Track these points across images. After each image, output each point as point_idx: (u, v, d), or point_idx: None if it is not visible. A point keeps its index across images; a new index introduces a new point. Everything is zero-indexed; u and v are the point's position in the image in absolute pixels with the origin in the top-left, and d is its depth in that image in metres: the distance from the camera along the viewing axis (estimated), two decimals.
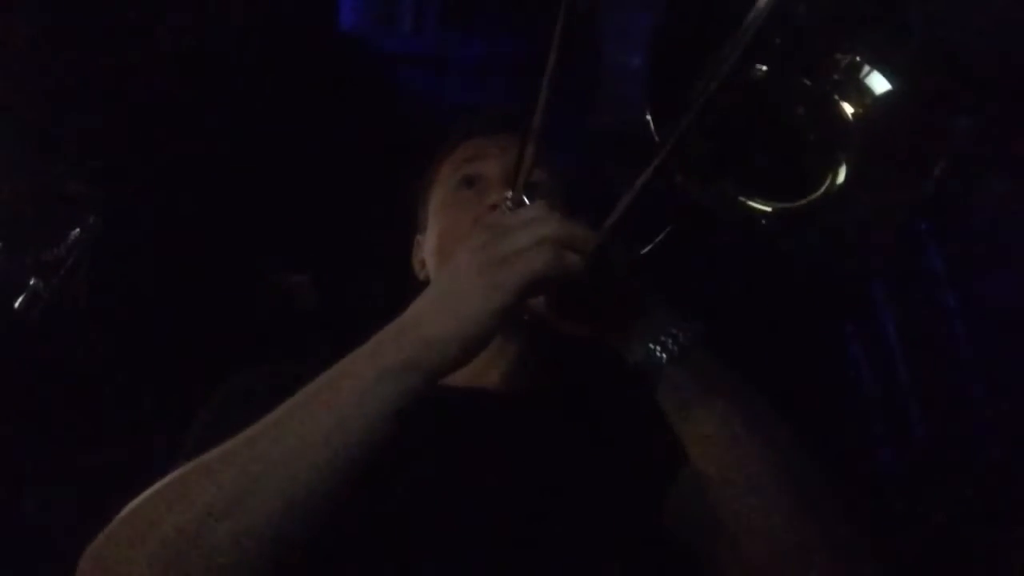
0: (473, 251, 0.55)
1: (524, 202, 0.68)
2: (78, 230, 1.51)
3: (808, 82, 0.58)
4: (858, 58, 0.56)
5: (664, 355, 0.59)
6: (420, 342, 0.53)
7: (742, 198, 0.57)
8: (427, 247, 0.89)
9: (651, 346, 0.60)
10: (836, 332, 2.16)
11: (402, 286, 0.97)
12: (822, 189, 0.57)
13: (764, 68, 0.57)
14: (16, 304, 1.43)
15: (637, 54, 2.03)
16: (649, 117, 0.53)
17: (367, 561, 0.61)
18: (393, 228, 1.03)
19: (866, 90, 0.56)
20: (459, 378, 0.75)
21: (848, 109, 0.57)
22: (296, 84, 1.77)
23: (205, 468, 0.52)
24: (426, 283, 0.90)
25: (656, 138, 0.52)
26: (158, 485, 0.54)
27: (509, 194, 0.69)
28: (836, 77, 0.57)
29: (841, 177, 0.57)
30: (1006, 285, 1.65)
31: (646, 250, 0.63)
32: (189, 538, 0.47)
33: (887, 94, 0.56)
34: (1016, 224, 1.62)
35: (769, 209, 0.56)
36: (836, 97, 0.58)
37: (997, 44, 1.51)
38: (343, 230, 1.87)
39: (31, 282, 1.45)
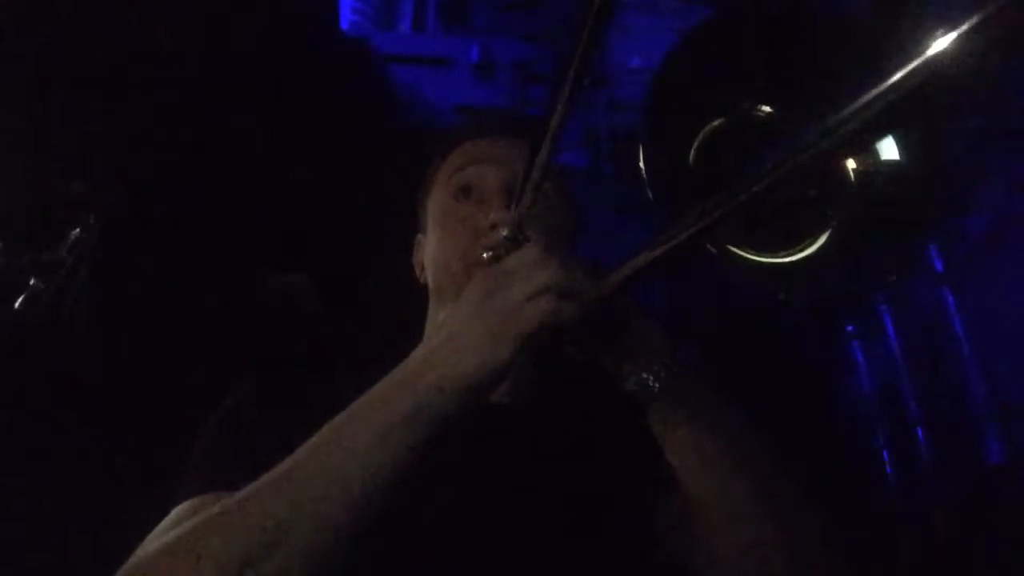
0: (477, 299, 0.58)
1: (520, 240, 0.69)
2: (78, 230, 1.51)
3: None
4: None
5: (656, 383, 0.61)
6: (431, 388, 0.55)
7: (731, 247, 0.56)
8: (426, 253, 0.89)
9: (644, 374, 0.61)
10: (836, 332, 2.16)
11: (402, 286, 0.97)
12: (804, 248, 0.57)
13: (770, 110, 0.56)
14: (16, 304, 1.43)
15: (637, 55, 2.03)
16: (641, 163, 0.53)
17: (370, 572, 0.61)
18: (393, 228, 1.03)
19: (872, 150, 0.56)
20: None
21: (851, 165, 0.57)
22: (296, 84, 1.77)
23: (223, 523, 0.52)
24: (426, 286, 0.90)
25: (645, 176, 0.52)
26: (180, 535, 0.54)
27: (506, 229, 0.69)
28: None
29: (823, 239, 0.57)
30: (1006, 285, 1.65)
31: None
32: None
33: (891, 162, 0.55)
34: (1016, 224, 1.62)
35: (756, 259, 0.56)
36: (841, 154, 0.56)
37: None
38: (343, 230, 1.87)
39: (31, 282, 1.45)
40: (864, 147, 0.55)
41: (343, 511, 0.51)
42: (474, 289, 0.59)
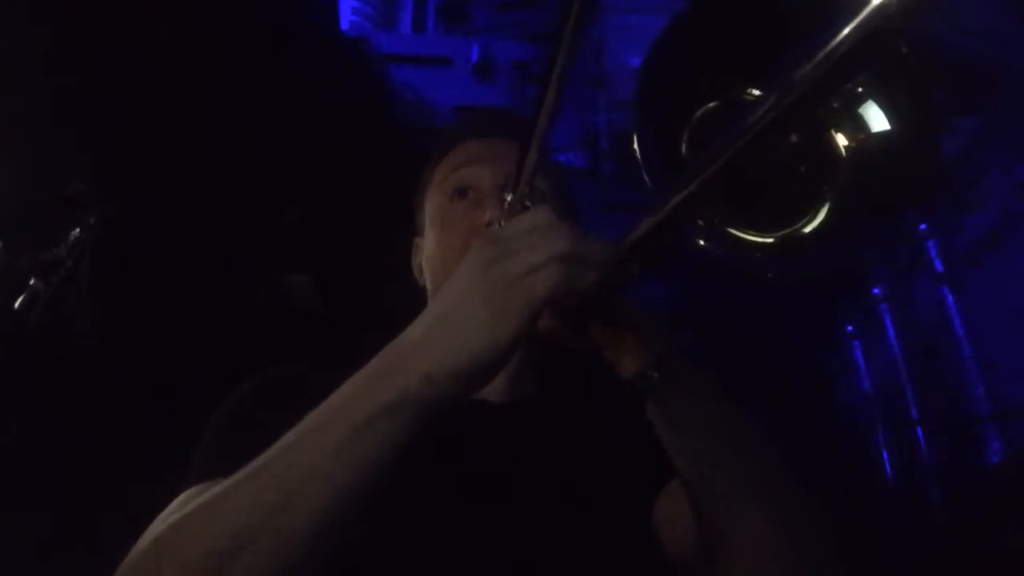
0: (476, 270, 0.50)
1: (526, 206, 0.65)
2: (78, 230, 1.51)
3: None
4: (859, 88, 0.54)
5: (656, 373, 0.60)
6: (418, 376, 0.48)
7: (729, 228, 0.56)
8: (424, 255, 0.89)
9: (644, 365, 0.60)
10: (836, 332, 2.16)
11: (403, 286, 0.97)
12: (802, 224, 0.57)
13: (759, 93, 0.56)
14: (16, 304, 1.43)
15: (636, 55, 2.03)
16: (636, 148, 0.52)
17: (367, 573, 0.61)
18: (393, 228, 1.03)
19: (861, 123, 0.55)
20: None
21: (842, 141, 0.56)
22: (296, 84, 1.77)
23: (192, 523, 0.51)
24: (424, 289, 0.90)
25: (645, 172, 0.51)
26: (157, 534, 0.53)
27: (508, 198, 0.68)
28: (835, 105, 0.56)
29: (823, 214, 0.56)
30: (1006, 284, 1.65)
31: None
32: None
33: (881, 132, 0.54)
34: (1016, 224, 1.62)
35: (756, 240, 0.56)
36: (831, 128, 0.56)
37: (997, 44, 1.51)
38: (343, 230, 1.87)
39: (31, 282, 1.45)
40: (830, 96, 0.55)
41: (309, 516, 0.48)
42: (472, 259, 0.51)
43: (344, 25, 2.21)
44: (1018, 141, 1.58)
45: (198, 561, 0.47)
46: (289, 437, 0.51)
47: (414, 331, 0.52)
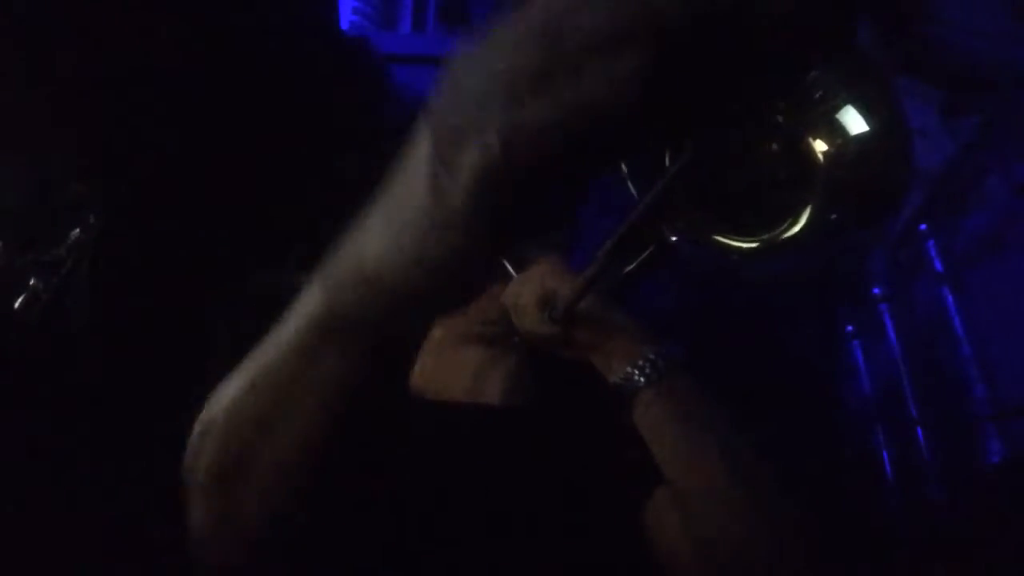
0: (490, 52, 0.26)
1: None
2: (78, 230, 1.51)
3: (782, 119, 0.58)
4: (835, 96, 0.56)
5: (642, 379, 0.61)
6: (357, 286, 0.31)
7: (715, 235, 0.57)
8: None
9: (630, 369, 0.62)
10: (836, 332, 2.16)
11: None
12: (784, 228, 0.58)
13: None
14: (16, 304, 1.43)
15: None
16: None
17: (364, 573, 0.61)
18: None
19: (839, 129, 0.56)
20: (458, 392, 0.77)
21: (820, 147, 0.57)
22: (295, 84, 1.77)
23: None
24: None
25: (630, 182, 0.53)
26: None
27: None
28: (810, 113, 0.57)
29: (804, 218, 0.58)
30: (1006, 285, 1.65)
31: (629, 269, 0.64)
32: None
33: (859, 135, 0.55)
34: (1016, 224, 1.62)
35: (741, 245, 0.57)
36: (809, 135, 0.57)
37: (997, 44, 1.51)
38: (343, 231, 1.87)
39: (31, 282, 1.45)
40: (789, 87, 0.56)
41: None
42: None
43: (344, 25, 2.22)
44: (1018, 141, 1.58)
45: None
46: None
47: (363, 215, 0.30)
